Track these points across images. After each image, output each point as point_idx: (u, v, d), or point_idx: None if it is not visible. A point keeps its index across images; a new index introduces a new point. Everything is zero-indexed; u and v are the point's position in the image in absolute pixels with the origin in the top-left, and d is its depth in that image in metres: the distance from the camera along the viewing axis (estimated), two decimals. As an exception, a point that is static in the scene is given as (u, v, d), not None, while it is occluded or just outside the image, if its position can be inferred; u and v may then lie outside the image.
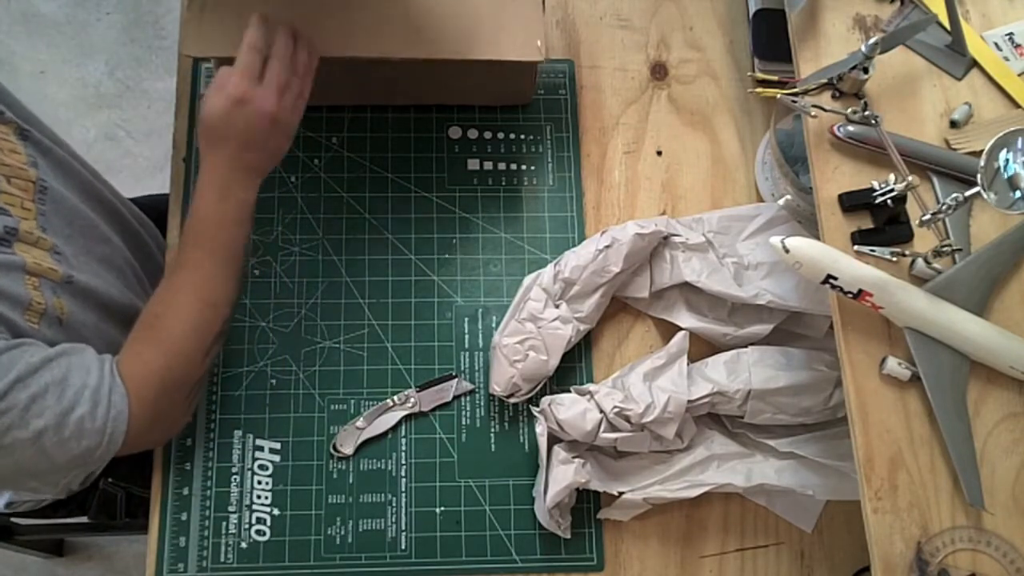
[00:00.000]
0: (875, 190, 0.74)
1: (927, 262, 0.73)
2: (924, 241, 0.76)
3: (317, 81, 0.89)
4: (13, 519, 1.34)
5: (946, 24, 0.83)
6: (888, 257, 0.74)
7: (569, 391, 0.88)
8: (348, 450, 0.88)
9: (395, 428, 0.89)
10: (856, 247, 0.76)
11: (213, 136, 0.76)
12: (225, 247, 0.78)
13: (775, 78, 0.82)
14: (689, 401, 0.84)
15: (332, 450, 0.88)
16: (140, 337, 0.75)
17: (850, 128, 0.78)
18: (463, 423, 0.91)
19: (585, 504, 0.88)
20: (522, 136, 1.00)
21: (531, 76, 0.96)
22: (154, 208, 1.05)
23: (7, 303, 0.71)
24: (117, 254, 0.91)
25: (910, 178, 0.71)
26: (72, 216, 0.84)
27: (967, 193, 0.66)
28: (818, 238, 0.75)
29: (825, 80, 0.80)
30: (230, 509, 0.87)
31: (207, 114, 0.76)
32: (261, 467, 0.88)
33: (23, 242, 0.75)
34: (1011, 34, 0.84)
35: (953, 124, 0.80)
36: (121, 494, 1.00)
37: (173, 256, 0.91)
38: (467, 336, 0.93)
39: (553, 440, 0.85)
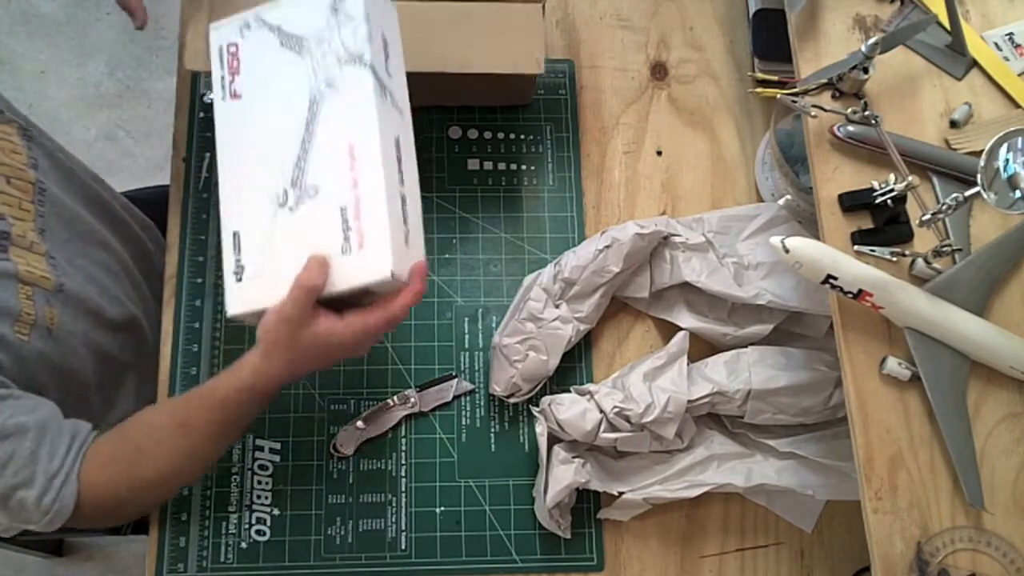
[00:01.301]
0: (875, 190, 0.74)
1: (927, 262, 0.73)
2: (924, 241, 0.76)
3: None
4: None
5: (946, 24, 0.83)
6: (888, 257, 0.74)
7: (569, 391, 0.88)
8: (348, 450, 0.88)
9: (395, 428, 0.89)
10: (856, 247, 0.76)
11: (265, 341, 0.70)
12: (236, 418, 0.75)
13: (775, 78, 0.82)
14: (689, 401, 0.84)
15: (332, 450, 0.88)
16: (118, 456, 0.72)
17: (850, 128, 0.78)
18: (463, 423, 0.91)
19: (585, 504, 0.88)
20: (522, 136, 1.00)
21: (530, 79, 0.96)
22: (154, 204, 1.04)
23: None
24: (116, 260, 0.91)
25: (910, 178, 0.71)
26: (71, 220, 0.84)
27: (967, 193, 0.66)
28: (818, 238, 0.75)
29: (825, 80, 0.80)
30: (230, 509, 0.87)
31: (262, 323, 0.70)
32: (261, 467, 0.88)
33: (17, 246, 0.75)
34: (1011, 34, 0.84)
35: (953, 124, 0.80)
36: None
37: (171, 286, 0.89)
38: (467, 336, 0.93)
39: (553, 440, 0.85)
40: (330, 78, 0.71)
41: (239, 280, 0.72)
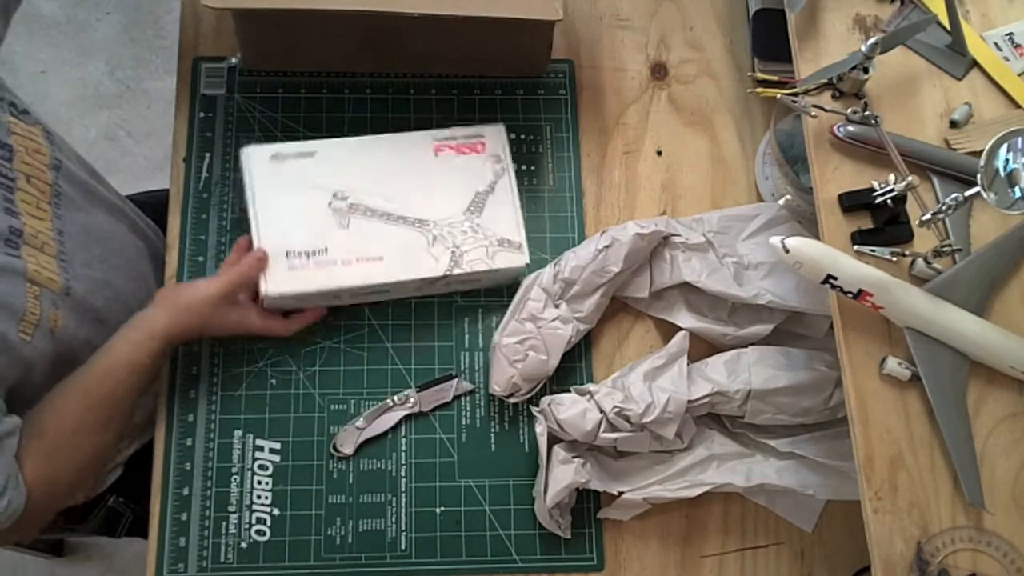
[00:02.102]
0: (875, 190, 0.74)
1: (927, 262, 0.73)
2: (924, 241, 0.76)
3: (327, 45, 0.95)
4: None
5: (946, 24, 0.83)
6: (888, 257, 0.74)
7: (569, 391, 0.88)
8: (348, 450, 0.88)
9: (395, 428, 0.89)
10: (856, 247, 0.76)
11: (172, 305, 0.81)
12: (148, 375, 0.80)
13: (775, 78, 0.82)
14: (689, 401, 0.84)
15: (332, 450, 0.88)
16: (46, 450, 0.73)
17: (850, 128, 0.78)
18: (463, 423, 0.91)
19: (585, 504, 0.88)
20: (522, 136, 1.00)
21: (547, 40, 0.96)
22: (155, 207, 1.04)
23: (3, 313, 0.70)
24: (132, 266, 0.91)
25: (910, 178, 0.71)
26: (89, 224, 0.84)
27: (967, 193, 0.66)
28: (818, 238, 0.75)
29: (825, 80, 0.80)
30: (230, 509, 0.87)
31: (184, 290, 0.83)
32: (261, 467, 0.88)
33: (29, 245, 0.75)
34: (1011, 34, 0.84)
35: (953, 124, 0.80)
36: (128, 514, 1.00)
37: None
38: (467, 336, 0.93)
39: (553, 440, 0.85)
40: (439, 254, 0.88)
41: (274, 156, 0.89)
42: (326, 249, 0.86)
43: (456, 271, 0.87)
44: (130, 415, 0.81)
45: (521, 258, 0.89)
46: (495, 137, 0.93)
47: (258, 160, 0.89)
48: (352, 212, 0.87)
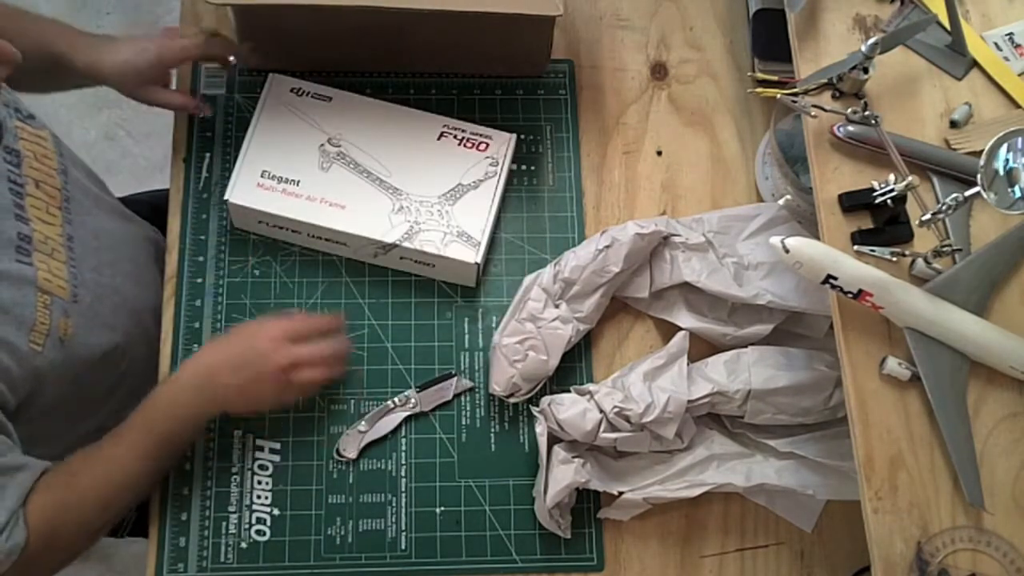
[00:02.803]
0: (875, 190, 0.74)
1: (927, 262, 0.73)
2: (924, 241, 0.76)
3: (327, 43, 0.96)
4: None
5: (946, 24, 0.83)
6: (888, 257, 0.74)
7: (569, 391, 0.87)
8: (351, 454, 0.88)
9: (395, 429, 0.89)
10: (856, 247, 0.76)
11: (231, 360, 0.79)
12: (176, 446, 0.80)
13: (775, 78, 0.82)
14: (689, 401, 0.84)
15: (335, 455, 0.88)
16: (61, 500, 0.72)
17: (850, 128, 0.78)
18: (463, 423, 0.91)
19: (585, 504, 0.88)
20: (522, 136, 1.00)
21: (547, 38, 0.97)
22: (153, 206, 1.04)
23: (13, 324, 0.70)
24: (143, 271, 0.90)
25: (910, 178, 0.71)
26: (98, 229, 0.84)
27: (967, 193, 0.66)
28: (818, 238, 0.75)
29: (825, 80, 0.80)
30: (230, 509, 0.87)
31: (244, 332, 0.81)
32: (261, 467, 0.88)
33: (39, 252, 0.74)
34: (1011, 34, 0.84)
35: (953, 124, 0.80)
36: (132, 514, 0.99)
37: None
38: (467, 336, 0.93)
39: (553, 440, 0.85)
40: (428, 232, 0.90)
41: (294, 88, 0.95)
42: (298, 182, 0.90)
43: (406, 244, 0.89)
44: (141, 489, 0.80)
45: (472, 255, 0.89)
46: (501, 143, 0.95)
47: (279, 88, 0.95)
48: (338, 160, 0.91)
